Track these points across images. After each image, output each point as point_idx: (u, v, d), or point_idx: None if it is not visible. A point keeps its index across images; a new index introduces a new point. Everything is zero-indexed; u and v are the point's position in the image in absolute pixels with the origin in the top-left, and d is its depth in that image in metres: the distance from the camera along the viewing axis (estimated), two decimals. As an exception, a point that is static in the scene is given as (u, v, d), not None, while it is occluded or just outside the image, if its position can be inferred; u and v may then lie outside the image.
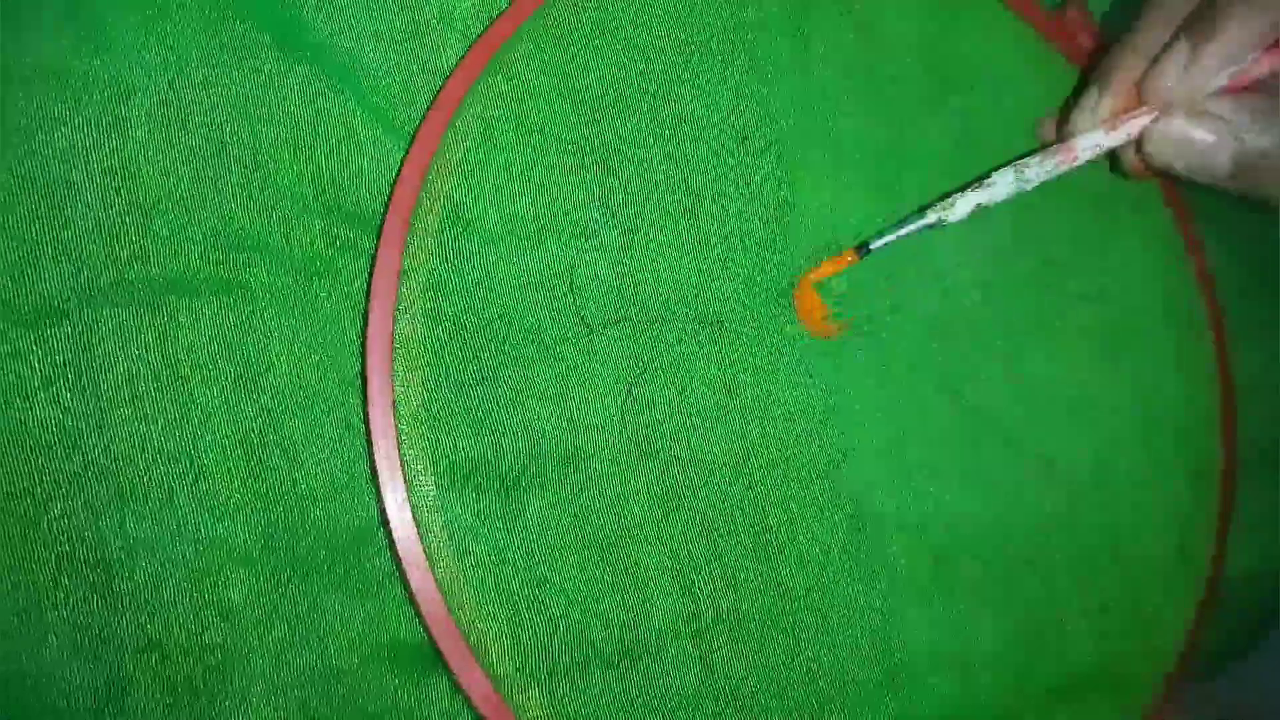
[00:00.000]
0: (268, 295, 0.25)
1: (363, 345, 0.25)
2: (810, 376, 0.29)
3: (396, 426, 0.24)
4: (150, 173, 0.24)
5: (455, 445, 0.25)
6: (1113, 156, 0.31)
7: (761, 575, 0.27)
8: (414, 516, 0.24)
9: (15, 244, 0.23)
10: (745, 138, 0.30)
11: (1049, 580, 0.31)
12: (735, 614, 0.27)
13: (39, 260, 0.23)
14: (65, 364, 0.23)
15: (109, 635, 0.23)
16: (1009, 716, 0.29)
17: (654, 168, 0.28)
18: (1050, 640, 0.30)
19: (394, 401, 0.24)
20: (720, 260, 0.29)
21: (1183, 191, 0.37)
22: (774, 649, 0.27)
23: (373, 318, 0.24)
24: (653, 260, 0.28)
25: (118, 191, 0.24)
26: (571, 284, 0.27)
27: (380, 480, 0.24)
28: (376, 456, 0.24)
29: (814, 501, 0.28)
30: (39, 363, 0.23)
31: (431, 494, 0.24)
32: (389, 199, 0.25)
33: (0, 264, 0.23)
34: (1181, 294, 0.37)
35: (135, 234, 0.24)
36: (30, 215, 0.24)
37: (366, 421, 0.24)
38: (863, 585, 0.28)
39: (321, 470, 0.25)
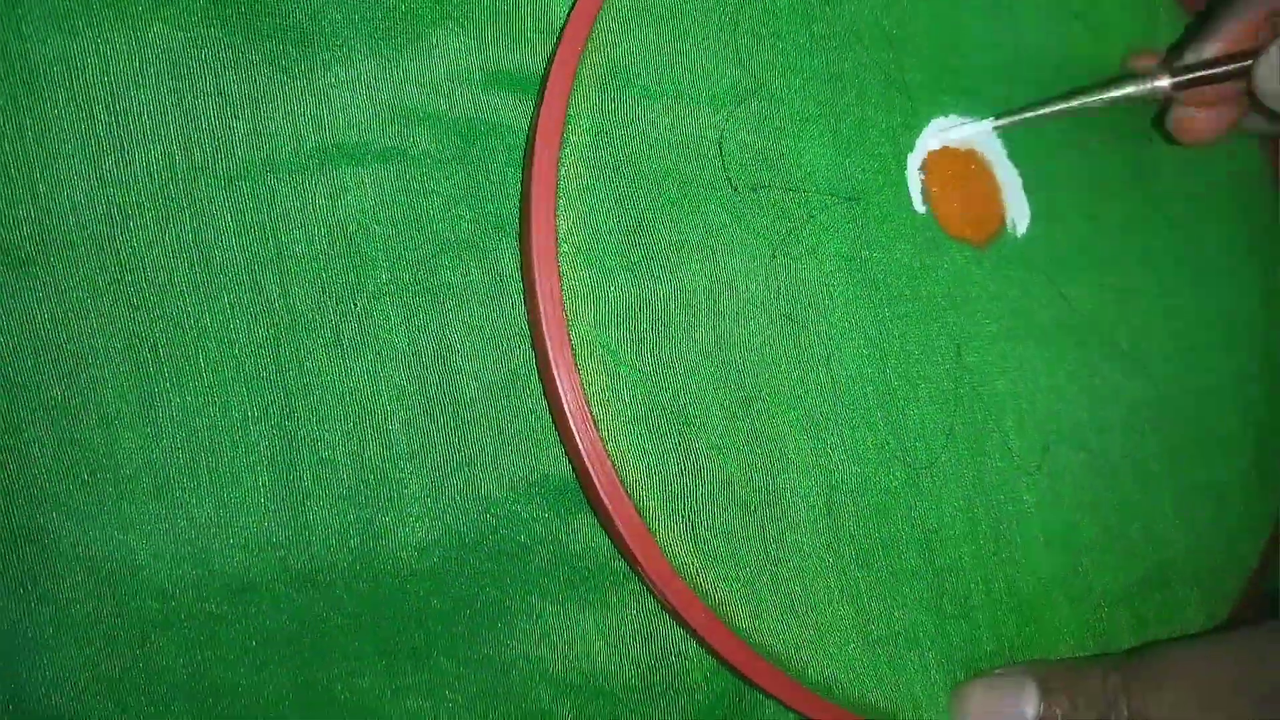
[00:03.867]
0: (428, 159, 0.27)
1: (525, 187, 0.26)
2: (934, 260, 0.30)
3: (558, 266, 0.25)
4: (331, 57, 0.27)
5: (612, 288, 0.26)
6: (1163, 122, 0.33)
7: (887, 445, 0.28)
8: (573, 355, 0.25)
9: (206, 117, 0.26)
10: (891, 41, 0.31)
11: (1142, 474, 0.32)
12: (861, 477, 0.28)
13: (232, 134, 0.26)
14: (251, 220, 0.26)
15: (294, 448, 0.26)
16: (1109, 599, 0.31)
17: (799, 47, 0.30)
18: (1143, 531, 0.32)
19: (557, 241, 0.25)
20: (859, 138, 0.30)
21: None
22: (894, 514, 0.28)
23: (538, 159, 0.25)
24: (796, 132, 0.29)
25: (299, 74, 0.26)
26: (720, 148, 0.28)
27: (542, 316, 0.25)
28: (539, 294, 0.25)
29: (937, 380, 0.30)
30: (230, 220, 0.26)
31: (589, 334, 0.26)
32: (551, 59, 0.27)
33: (196, 134, 0.26)
34: (1267, 230, 0.38)
35: (313, 109, 0.26)
36: (224, 93, 0.26)
37: (529, 259, 0.26)
38: (979, 463, 0.30)
39: (473, 318, 0.27)
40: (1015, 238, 0.32)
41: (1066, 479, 0.31)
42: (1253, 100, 0.30)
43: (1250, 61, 0.29)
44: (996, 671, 0.28)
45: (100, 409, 0.25)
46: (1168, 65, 0.31)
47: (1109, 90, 0.31)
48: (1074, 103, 0.31)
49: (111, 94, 0.25)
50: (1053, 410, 0.31)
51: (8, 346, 0.24)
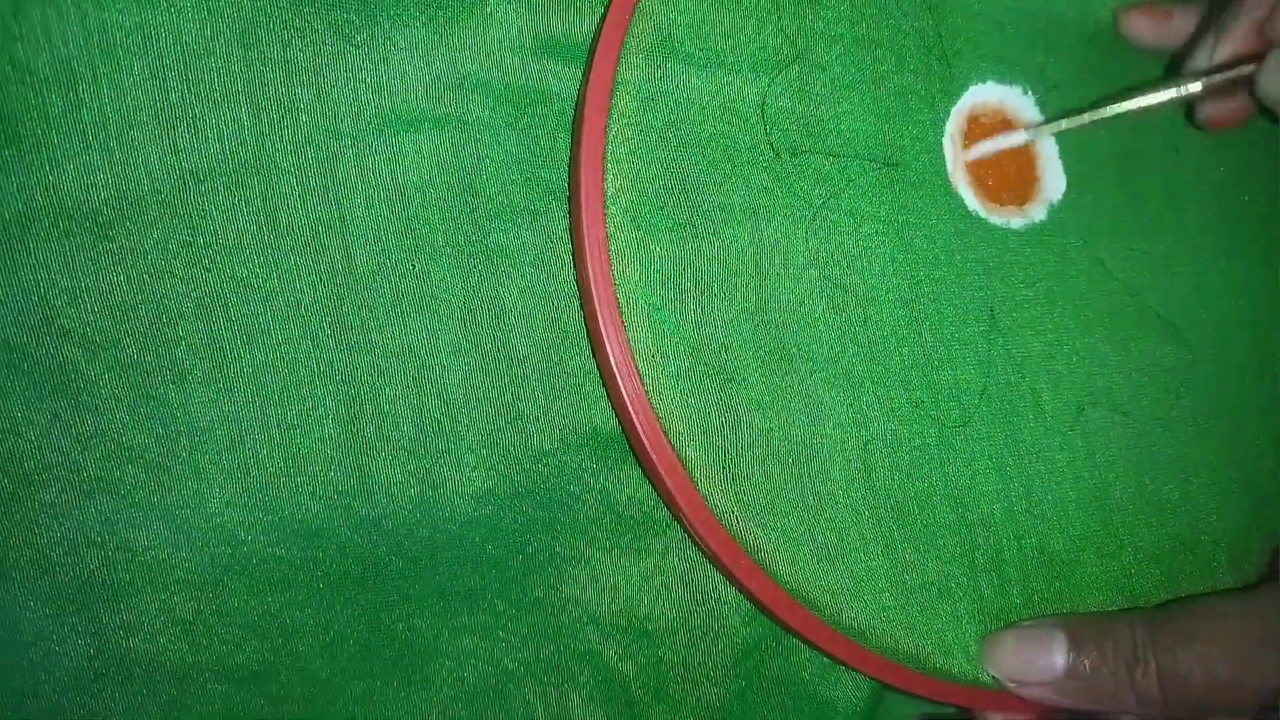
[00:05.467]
0: (482, 126, 0.28)
1: (574, 151, 0.27)
2: (970, 224, 0.31)
3: (606, 226, 0.26)
4: (390, 26, 0.28)
5: (658, 248, 0.27)
6: (1190, 109, 0.33)
7: (921, 403, 0.29)
8: (620, 313, 0.26)
9: (273, 85, 0.27)
10: (931, 8, 0.32)
11: (1174, 437, 0.33)
12: (896, 433, 0.29)
13: (297, 102, 0.27)
14: (315, 185, 0.27)
15: (356, 402, 0.27)
16: (1139, 557, 0.31)
17: (840, 14, 0.30)
18: (1174, 492, 0.32)
19: (605, 202, 0.27)
20: (898, 105, 0.30)
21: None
22: (928, 469, 0.29)
23: (587, 123, 0.27)
24: (836, 99, 0.30)
25: (361, 43, 0.27)
26: (763, 114, 0.29)
27: (590, 276, 0.26)
28: (588, 254, 0.26)
29: (971, 341, 0.30)
30: (295, 185, 0.27)
31: (635, 292, 0.27)
32: (599, 27, 0.28)
33: (264, 101, 0.27)
34: None
35: (372, 77, 0.27)
36: (290, 61, 0.27)
37: (577, 220, 0.27)
38: (1011, 422, 0.30)
39: (525, 278, 0.28)
40: (1051, 204, 0.33)
41: (1099, 440, 0.31)
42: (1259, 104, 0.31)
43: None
44: (1026, 622, 0.29)
45: (175, 366, 0.26)
46: (1192, 68, 0.32)
47: (1143, 98, 0.31)
48: (1108, 112, 0.31)
49: (184, 64, 0.26)
50: (1087, 373, 0.32)
51: (88, 308, 0.26)
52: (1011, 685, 0.28)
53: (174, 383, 0.26)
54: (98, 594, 0.26)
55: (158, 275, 0.26)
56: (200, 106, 0.26)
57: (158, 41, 0.26)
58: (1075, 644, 0.28)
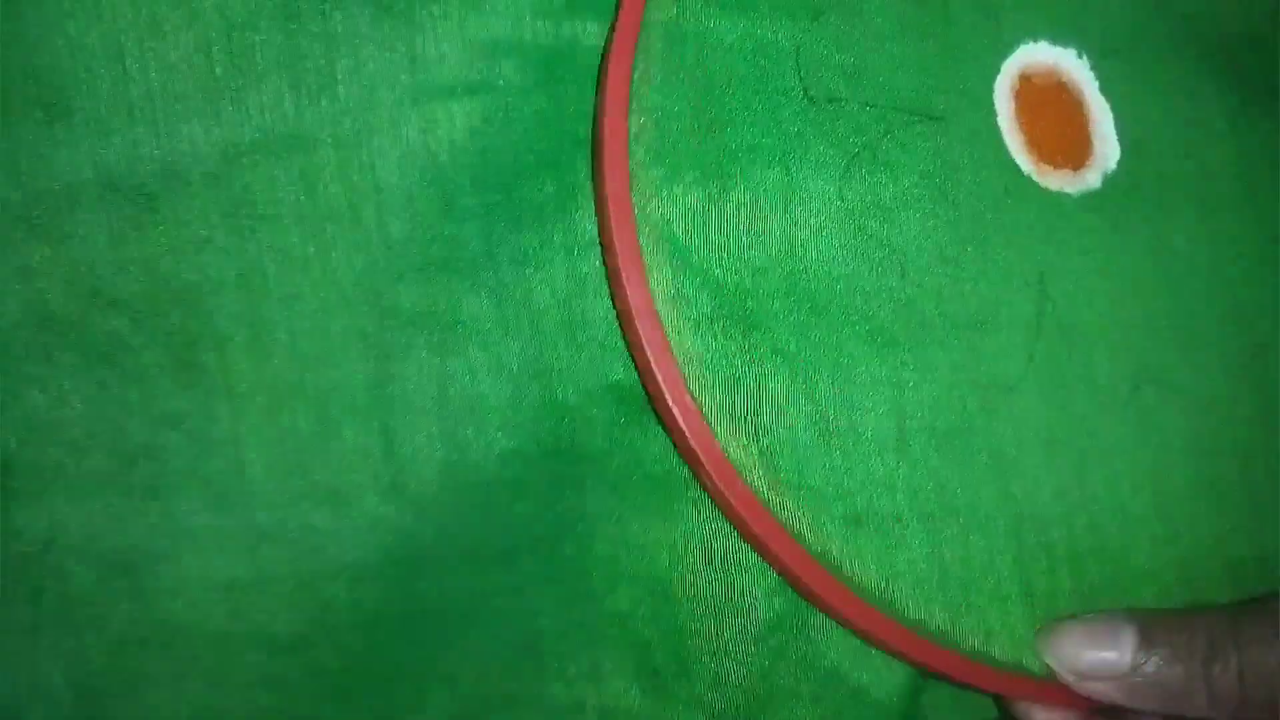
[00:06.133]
0: (513, 89, 0.28)
1: (599, 91, 0.27)
2: (1019, 185, 0.30)
3: (629, 167, 0.26)
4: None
5: (681, 188, 0.26)
6: None
7: (962, 366, 0.28)
8: (640, 254, 0.25)
9: (313, 57, 0.27)
10: None
11: (1235, 420, 0.31)
12: (933, 396, 0.28)
13: (335, 74, 0.27)
14: (352, 155, 0.27)
15: (385, 365, 0.27)
16: (1200, 546, 0.30)
17: None
18: (1237, 478, 0.30)
19: (627, 142, 0.26)
20: (943, 59, 0.30)
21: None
22: (969, 436, 0.28)
23: (612, 61, 0.26)
24: (876, 48, 0.29)
25: (398, 13, 0.28)
26: (797, 58, 0.28)
27: (610, 214, 0.25)
28: (609, 193, 0.25)
29: (1018, 305, 0.29)
30: (333, 155, 0.27)
31: (658, 232, 0.26)
32: None
33: (303, 73, 0.27)
34: None
35: (407, 46, 0.28)
36: (330, 33, 0.27)
37: (599, 159, 0.26)
38: (1060, 394, 0.29)
39: (546, 229, 0.28)
40: (1106, 173, 0.31)
41: (1156, 419, 0.30)
42: None
43: None
44: (1092, 613, 0.28)
45: (216, 334, 0.26)
46: None
47: None
48: None
49: (228, 37, 0.27)
50: (1144, 348, 0.30)
51: (134, 279, 0.26)
52: (1071, 679, 0.27)
53: (215, 350, 0.26)
54: (142, 559, 0.26)
55: (200, 246, 0.27)
56: (243, 80, 0.27)
57: (203, 16, 0.27)
58: (1146, 638, 0.26)
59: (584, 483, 0.28)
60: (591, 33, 0.28)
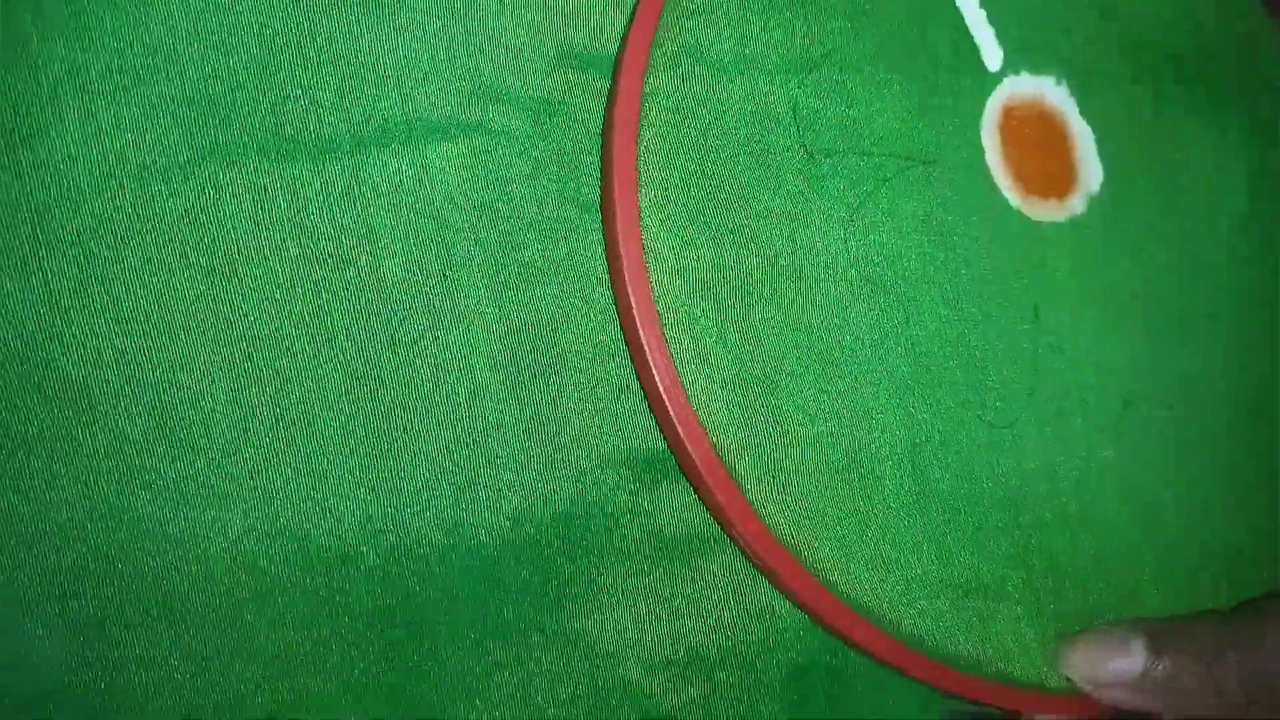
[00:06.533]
0: (507, 136, 0.27)
1: (605, 164, 0.27)
2: (1009, 220, 0.31)
3: (642, 239, 0.26)
4: (410, 37, 0.27)
5: (695, 258, 0.26)
6: None
7: (969, 403, 0.29)
8: (660, 326, 0.26)
9: (293, 86, 0.26)
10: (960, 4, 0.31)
11: (1225, 434, 0.32)
12: (945, 435, 0.28)
13: (320, 107, 0.26)
14: (341, 194, 0.26)
15: (387, 420, 0.26)
16: (1197, 558, 0.31)
17: (867, 13, 0.30)
18: (1229, 491, 0.32)
19: (639, 215, 0.26)
20: (931, 101, 0.30)
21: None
22: (978, 471, 0.28)
23: (617, 135, 0.26)
24: (867, 98, 0.29)
25: (383, 51, 0.27)
26: (795, 115, 0.28)
27: (629, 289, 0.26)
28: (625, 268, 0.26)
29: (1017, 339, 0.30)
30: (321, 193, 0.26)
31: (675, 304, 0.26)
32: (625, 36, 0.27)
33: (285, 104, 0.26)
34: None
35: (395, 81, 0.27)
36: (313, 62, 0.26)
37: (612, 233, 0.26)
38: (1059, 422, 0.30)
39: (559, 289, 0.27)
40: (1090, 197, 0.32)
41: (1147, 436, 0.31)
42: None
43: None
44: (1102, 626, 0.29)
45: (194, 385, 0.25)
46: None
47: None
48: None
49: (204, 63, 0.25)
50: (1132, 368, 0.31)
51: (103, 322, 0.24)
52: (1088, 688, 0.28)
53: (192, 404, 0.25)
54: (112, 624, 0.24)
55: (176, 289, 0.25)
56: (221, 110, 0.25)
57: (177, 42, 0.25)
58: (1154, 645, 0.27)
59: (595, 549, 0.27)
60: (587, 85, 0.28)
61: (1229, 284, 0.33)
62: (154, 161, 0.25)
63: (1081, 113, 0.32)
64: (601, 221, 0.27)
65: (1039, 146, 0.32)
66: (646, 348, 0.25)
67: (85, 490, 0.24)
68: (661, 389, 0.25)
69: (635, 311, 0.25)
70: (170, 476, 0.25)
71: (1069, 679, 0.28)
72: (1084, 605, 0.29)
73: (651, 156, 0.26)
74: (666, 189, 0.27)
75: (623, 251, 0.26)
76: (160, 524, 0.25)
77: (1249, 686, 0.26)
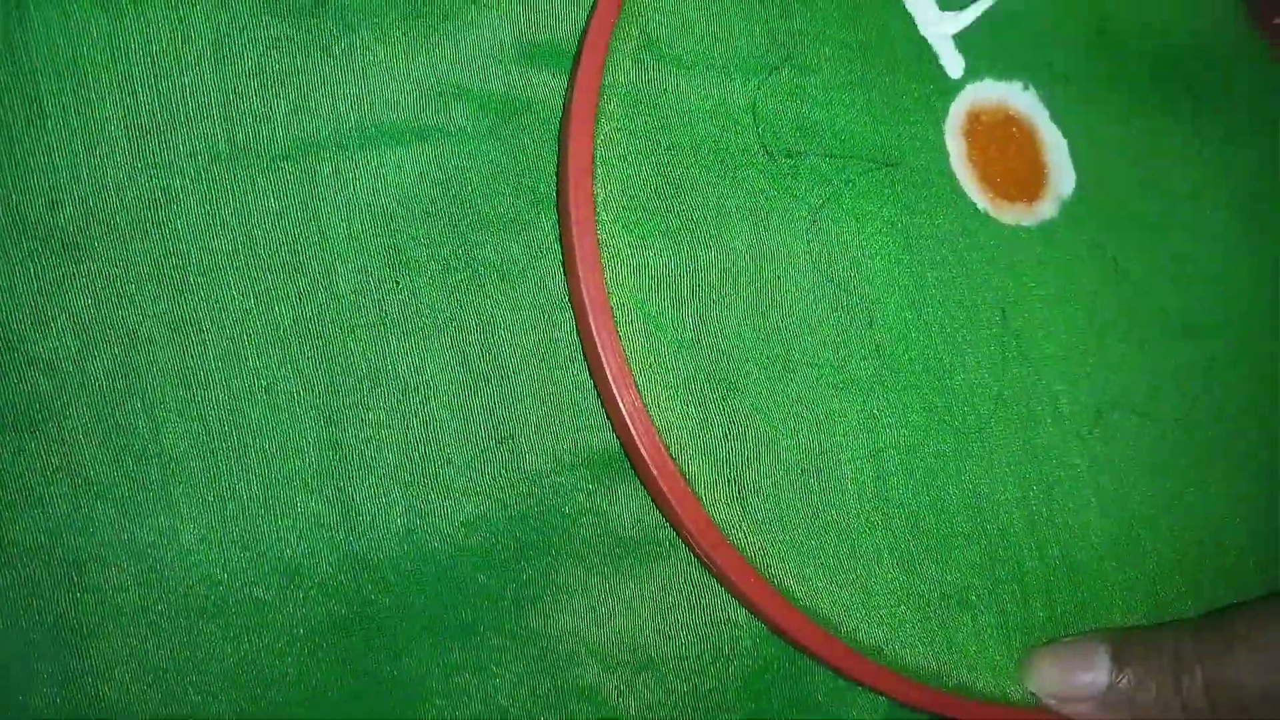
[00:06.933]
0: (466, 136, 0.27)
1: (562, 157, 0.26)
2: (976, 223, 0.30)
3: (597, 234, 0.25)
4: (370, 36, 0.27)
5: (651, 254, 0.26)
6: None
7: (934, 408, 0.28)
8: (614, 323, 0.25)
9: (248, 98, 0.26)
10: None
11: (1195, 439, 0.32)
12: (909, 440, 0.28)
13: (274, 115, 0.26)
14: (294, 201, 0.26)
15: (339, 427, 0.26)
16: (1165, 564, 0.30)
17: (828, 16, 0.30)
18: (1198, 496, 0.31)
19: (595, 209, 0.25)
20: (893, 104, 0.30)
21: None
22: (943, 478, 0.28)
23: (574, 129, 0.25)
24: (829, 100, 0.29)
25: (339, 54, 0.26)
26: (755, 116, 0.28)
27: (583, 285, 0.25)
28: (579, 263, 0.25)
29: (984, 344, 0.29)
30: (273, 201, 0.26)
31: (630, 301, 0.25)
32: (584, 32, 0.27)
33: (238, 115, 0.26)
34: None
35: (353, 89, 0.26)
36: (266, 72, 0.26)
37: (567, 228, 0.25)
38: (1029, 428, 0.29)
39: (514, 291, 0.27)
40: (1061, 202, 0.32)
41: (1119, 443, 0.30)
42: None
43: None
44: (1067, 638, 0.28)
45: (146, 393, 0.25)
46: None
47: None
48: None
49: (155, 75, 0.25)
50: (1104, 374, 0.31)
51: (53, 330, 0.24)
52: (1053, 703, 0.27)
53: (145, 413, 0.25)
54: (66, 638, 0.24)
55: (128, 298, 0.25)
56: (171, 120, 0.25)
57: (127, 54, 0.25)
58: (1118, 658, 0.26)
59: (552, 551, 0.27)
60: (548, 83, 0.28)
61: (1205, 291, 0.33)
62: (104, 173, 0.25)
63: (1052, 117, 0.32)
64: (557, 216, 0.27)
65: (1006, 151, 0.31)
66: (599, 344, 0.25)
67: (37, 504, 0.24)
68: (614, 387, 0.25)
69: (589, 307, 0.25)
70: (124, 487, 0.25)
71: (1033, 693, 0.27)
72: (1050, 616, 0.28)
73: (609, 149, 0.26)
74: (624, 183, 0.26)
75: (577, 245, 0.25)
76: (115, 534, 0.24)
77: (1215, 699, 0.25)
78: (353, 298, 0.26)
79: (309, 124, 0.26)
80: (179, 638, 0.24)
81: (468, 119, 0.27)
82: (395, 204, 0.26)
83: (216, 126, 0.25)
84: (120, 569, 0.24)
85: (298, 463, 0.25)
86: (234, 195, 0.25)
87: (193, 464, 0.25)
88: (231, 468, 0.25)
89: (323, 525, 0.25)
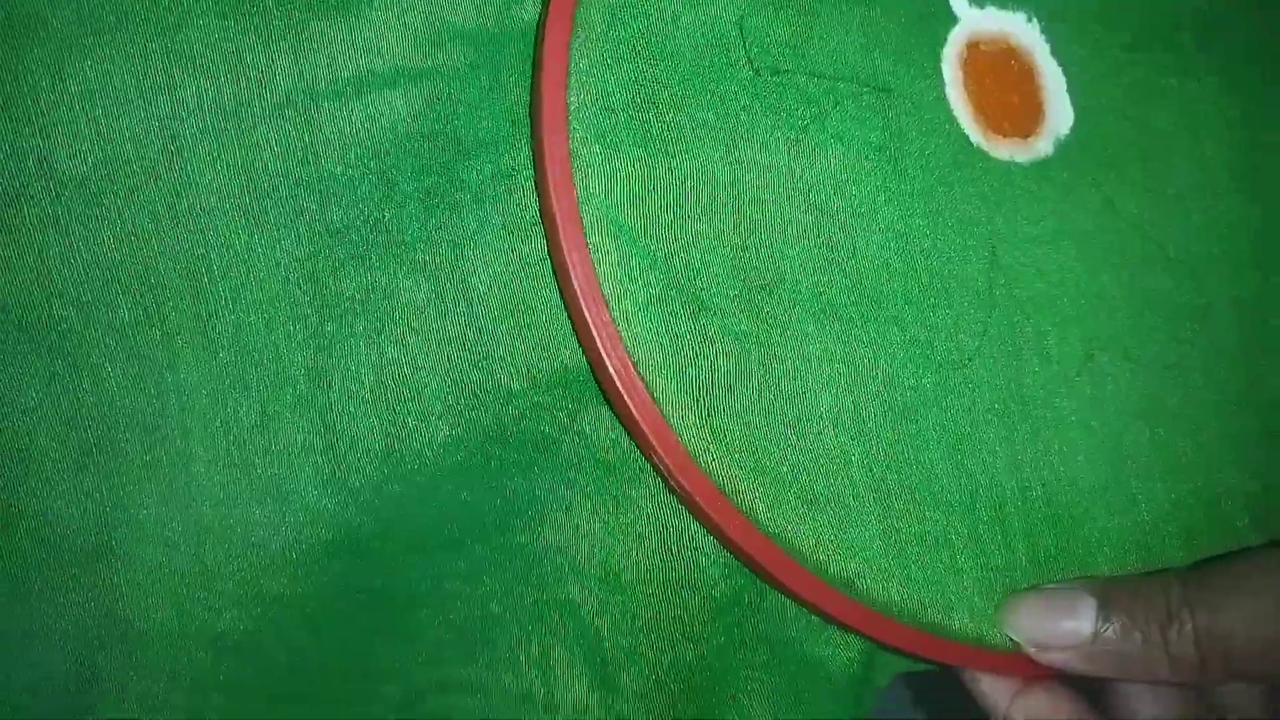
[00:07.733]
0: (458, 72, 0.27)
1: (536, 68, 0.26)
2: (969, 156, 0.29)
3: (570, 146, 0.25)
4: None
5: (625, 166, 0.26)
6: None
7: (916, 341, 0.28)
8: (584, 235, 0.25)
9: (251, 54, 0.27)
10: None
11: (1188, 385, 0.31)
12: (888, 373, 0.27)
13: (275, 69, 0.27)
14: (295, 147, 0.27)
15: (324, 355, 0.27)
16: (1155, 513, 0.29)
17: None
18: (1190, 444, 0.30)
19: (568, 119, 0.25)
20: (890, 28, 0.29)
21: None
22: (924, 413, 0.27)
23: (549, 35, 0.25)
24: (823, 19, 0.28)
25: (337, 7, 0.27)
26: (741, 29, 0.28)
27: (553, 195, 0.25)
28: (549, 174, 0.25)
29: (970, 278, 0.29)
30: (276, 147, 0.27)
31: (601, 213, 0.25)
32: None
33: (242, 69, 0.27)
34: None
35: (350, 39, 0.27)
36: (269, 28, 0.27)
37: (538, 139, 0.25)
38: (1015, 366, 0.29)
39: (486, 211, 0.27)
40: (1057, 138, 0.31)
41: (1109, 387, 0.29)
42: None
43: None
44: (1051, 584, 0.27)
45: (164, 326, 0.26)
46: None
47: None
48: None
49: (163, 34, 0.26)
50: (1095, 316, 0.30)
51: (80, 269, 0.26)
52: (1033, 650, 0.27)
53: (162, 343, 0.26)
54: (100, 555, 0.26)
55: (144, 239, 0.26)
56: (180, 76, 0.26)
57: (135, 14, 0.26)
58: (1104, 606, 0.26)
59: (532, 470, 0.27)
60: (533, 13, 0.28)
61: (1200, 236, 0.32)
62: (120, 126, 0.26)
63: (1053, 53, 0.31)
64: (530, 129, 0.27)
65: (1005, 84, 0.30)
66: (567, 258, 0.25)
67: (69, 425, 0.26)
68: (581, 302, 0.25)
69: (558, 219, 0.25)
70: (145, 412, 0.26)
71: (1011, 639, 0.27)
72: (1034, 560, 0.28)
73: (584, 58, 0.26)
74: (598, 93, 0.26)
75: (547, 155, 0.25)
76: (137, 457, 0.26)
77: (1204, 651, 0.25)
78: (343, 232, 0.27)
79: (309, 76, 0.27)
80: (189, 554, 0.26)
81: (461, 56, 0.27)
82: (389, 142, 0.27)
83: (222, 81, 0.26)
84: (144, 491, 0.26)
85: (289, 390, 0.26)
86: (239, 144, 0.26)
87: (203, 392, 0.26)
88: (234, 396, 0.26)
89: (307, 450, 0.26)
